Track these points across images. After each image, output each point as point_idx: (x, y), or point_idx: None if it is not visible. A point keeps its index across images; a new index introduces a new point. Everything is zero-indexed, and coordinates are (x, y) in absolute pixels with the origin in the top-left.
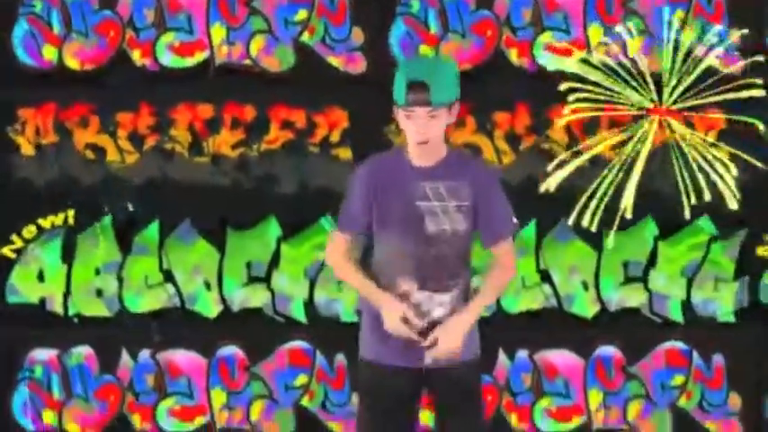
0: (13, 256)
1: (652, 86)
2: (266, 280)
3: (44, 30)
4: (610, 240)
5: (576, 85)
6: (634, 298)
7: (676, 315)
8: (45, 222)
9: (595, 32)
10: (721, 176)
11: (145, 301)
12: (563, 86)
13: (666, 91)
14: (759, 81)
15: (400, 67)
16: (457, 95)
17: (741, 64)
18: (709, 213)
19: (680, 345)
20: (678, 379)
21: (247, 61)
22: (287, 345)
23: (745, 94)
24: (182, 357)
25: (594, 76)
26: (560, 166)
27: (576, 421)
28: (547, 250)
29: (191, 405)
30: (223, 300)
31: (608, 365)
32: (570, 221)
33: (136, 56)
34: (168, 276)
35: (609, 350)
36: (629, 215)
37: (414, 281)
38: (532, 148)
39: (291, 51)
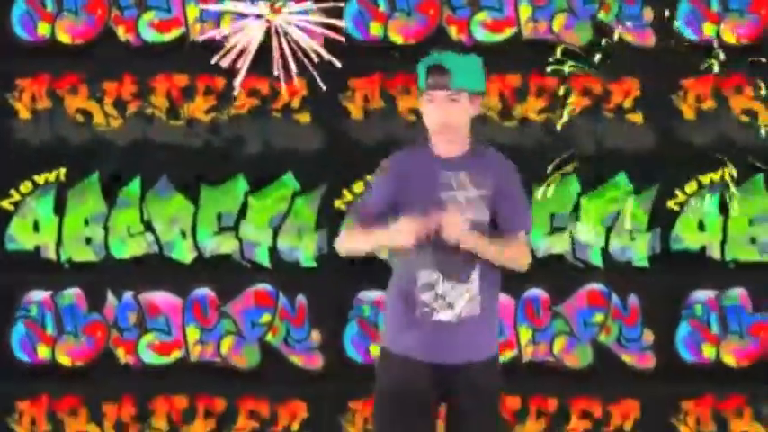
0: (11, 208)
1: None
2: (235, 229)
3: (39, 8)
4: (539, 193)
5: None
6: (559, 246)
7: (596, 260)
8: (39, 179)
9: (525, 10)
10: None
11: (128, 248)
12: None
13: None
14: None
15: (424, 58)
16: (481, 87)
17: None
18: (626, 171)
19: (600, 287)
20: (598, 317)
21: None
22: (253, 287)
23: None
24: (160, 298)
25: None
26: None
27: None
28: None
29: (168, 340)
30: (197, 247)
31: (536, 305)
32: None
33: (120, 32)
34: (148, 226)
35: (537, 292)
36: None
37: (436, 272)
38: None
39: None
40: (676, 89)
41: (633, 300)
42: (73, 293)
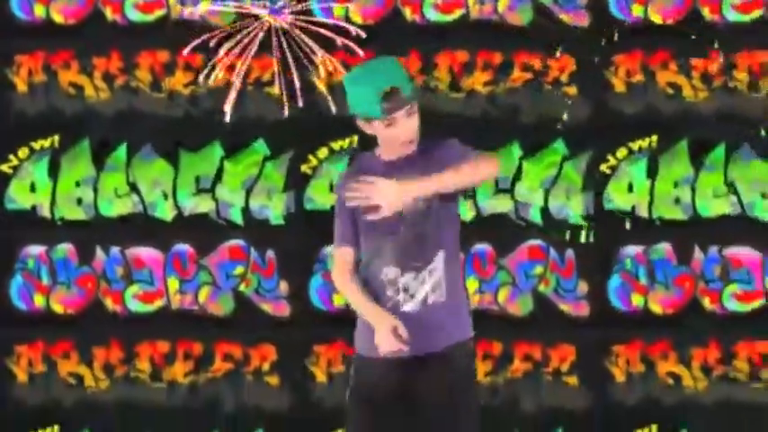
0: (10, 171)
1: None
2: (211, 191)
3: None
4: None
5: None
6: (503, 206)
7: (537, 218)
8: (36, 145)
9: None
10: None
11: (115, 208)
12: None
13: None
14: None
15: (358, 82)
16: (414, 85)
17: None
18: (563, 138)
19: (539, 242)
20: (538, 269)
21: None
22: (227, 242)
23: None
24: (144, 252)
25: None
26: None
27: None
28: None
29: (151, 290)
30: (177, 207)
31: (483, 259)
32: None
33: (108, 13)
34: (133, 188)
35: (483, 247)
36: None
37: (397, 266)
38: None
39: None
40: (608, 64)
41: (570, 254)
42: (65, 248)
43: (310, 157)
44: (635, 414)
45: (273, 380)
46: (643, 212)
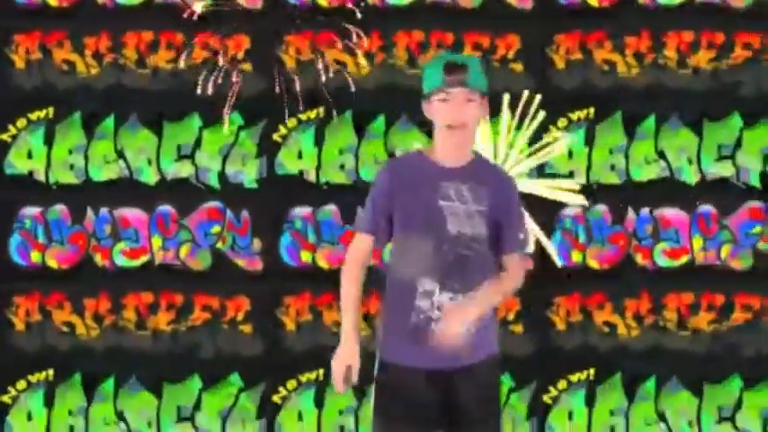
0: (9, 140)
1: None
2: (191, 157)
3: None
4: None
5: None
6: None
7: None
8: (32, 116)
9: None
10: None
11: (104, 173)
12: None
13: None
14: None
15: (433, 60)
16: (487, 89)
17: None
18: (510, 109)
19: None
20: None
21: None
22: (206, 204)
23: None
24: (130, 213)
25: None
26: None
27: None
28: None
29: (137, 247)
30: (160, 172)
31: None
32: None
33: None
34: (120, 155)
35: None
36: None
37: (435, 281)
38: None
39: None
40: (550, 43)
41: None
42: (59, 209)
43: (281, 126)
44: (574, 359)
45: (247, 328)
46: (581, 178)
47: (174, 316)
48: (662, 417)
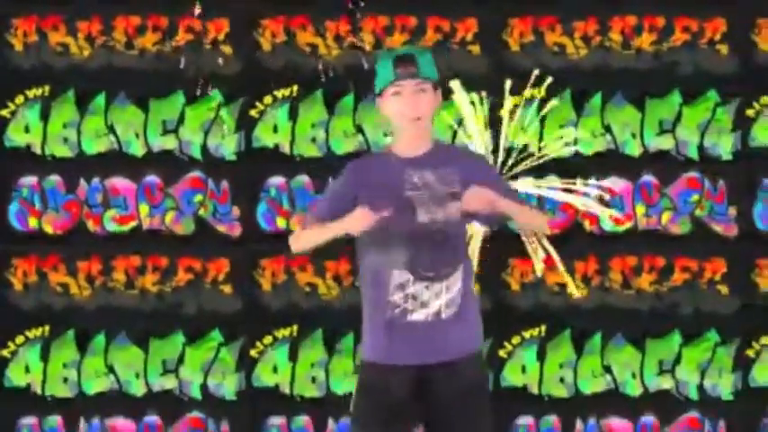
0: (8, 115)
1: None
2: (175, 132)
3: None
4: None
5: None
6: None
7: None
8: (30, 93)
9: None
10: None
11: (95, 146)
12: None
13: None
14: None
15: (382, 55)
16: (437, 78)
17: None
18: (467, 89)
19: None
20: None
21: None
22: (189, 174)
23: None
24: (119, 182)
25: None
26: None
27: None
28: None
29: (125, 214)
30: (147, 144)
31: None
32: None
33: None
34: (111, 129)
35: None
36: None
37: (408, 272)
38: None
39: None
40: (504, 26)
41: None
42: (54, 179)
43: (257, 103)
44: (527, 317)
45: (227, 288)
46: (534, 150)
47: (160, 277)
48: (608, 369)
